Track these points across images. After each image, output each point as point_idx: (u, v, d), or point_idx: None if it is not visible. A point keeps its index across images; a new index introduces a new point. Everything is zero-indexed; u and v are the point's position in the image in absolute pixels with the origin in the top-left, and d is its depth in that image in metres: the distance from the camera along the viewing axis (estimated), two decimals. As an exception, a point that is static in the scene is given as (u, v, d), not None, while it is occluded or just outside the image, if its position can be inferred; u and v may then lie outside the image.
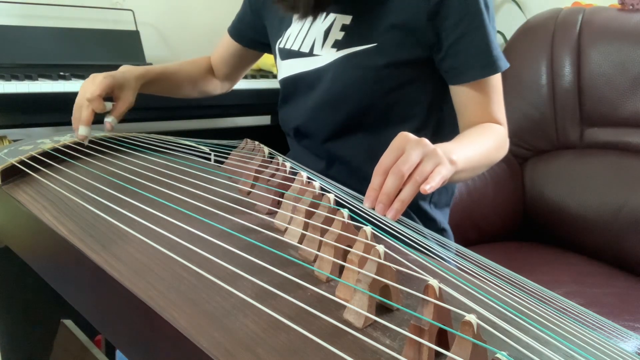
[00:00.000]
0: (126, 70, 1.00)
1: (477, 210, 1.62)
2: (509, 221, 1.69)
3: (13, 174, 0.83)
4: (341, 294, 0.52)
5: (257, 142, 0.95)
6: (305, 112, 0.99)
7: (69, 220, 0.67)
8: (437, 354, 0.43)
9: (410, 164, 0.64)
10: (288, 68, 1.02)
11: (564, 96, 1.63)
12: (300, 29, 1.00)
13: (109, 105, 0.95)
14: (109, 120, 0.97)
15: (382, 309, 0.51)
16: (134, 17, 2.00)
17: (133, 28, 1.99)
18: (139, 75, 1.02)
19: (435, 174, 0.65)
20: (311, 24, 0.98)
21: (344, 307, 0.50)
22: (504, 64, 0.91)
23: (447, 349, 0.42)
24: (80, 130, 0.92)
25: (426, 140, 0.67)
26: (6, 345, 1.08)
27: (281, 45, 1.03)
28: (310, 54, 0.97)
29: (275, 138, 1.21)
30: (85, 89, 0.93)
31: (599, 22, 1.61)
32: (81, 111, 0.92)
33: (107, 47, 1.88)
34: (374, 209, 0.65)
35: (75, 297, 0.64)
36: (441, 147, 0.70)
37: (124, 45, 1.92)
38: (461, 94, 0.92)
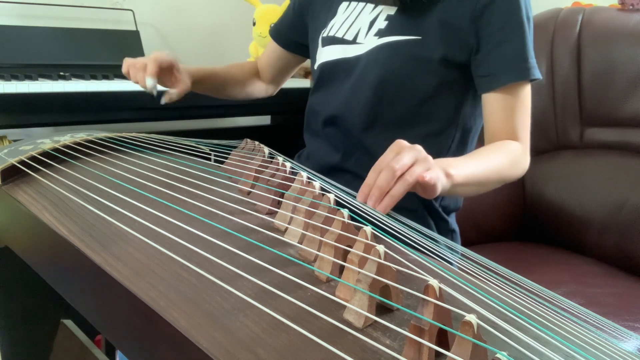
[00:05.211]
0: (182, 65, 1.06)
1: (477, 210, 1.62)
2: (509, 221, 1.69)
3: (13, 174, 0.83)
4: (341, 294, 0.52)
5: (257, 142, 0.95)
6: (338, 96, 1.00)
7: (69, 220, 0.67)
8: (437, 354, 0.43)
9: (402, 164, 0.68)
10: (328, 53, 1.02)
11: (564, 96, 1.63)
12: (346, 18, 1.01)
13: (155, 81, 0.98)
14: (171, 91, 1.02)
15: (382, 309, 0.51)
16: (134, 17, 2.00)
17: (133, 28, 1.99)
18: (191, 72, 1.08)
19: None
20: (358, 14, 1.00)
21: (344, 307, 0.50)
22: (537, 73, 0.91)
23: (447, 349, 0.42)
24: (148, 81, 0.96)
25: (420, 147, 0.71)
26: (6, 345, 1.08)
27: (324, 34, 1.04)
28: (354, 41, 0.98)
29: (275, 138, 1.21)
30: (150, 56, 0.98)
31: (599, 22, 1.61)
32: (144, 65, 0.96)
33: (107, 47, 1.88)
34: (365, 202, 0.68)
35: (75, 297, 0.64)
36: (441, 161, 0.74)
37: (124, 45, 1.92)
38: (490, 102, 0.92)
